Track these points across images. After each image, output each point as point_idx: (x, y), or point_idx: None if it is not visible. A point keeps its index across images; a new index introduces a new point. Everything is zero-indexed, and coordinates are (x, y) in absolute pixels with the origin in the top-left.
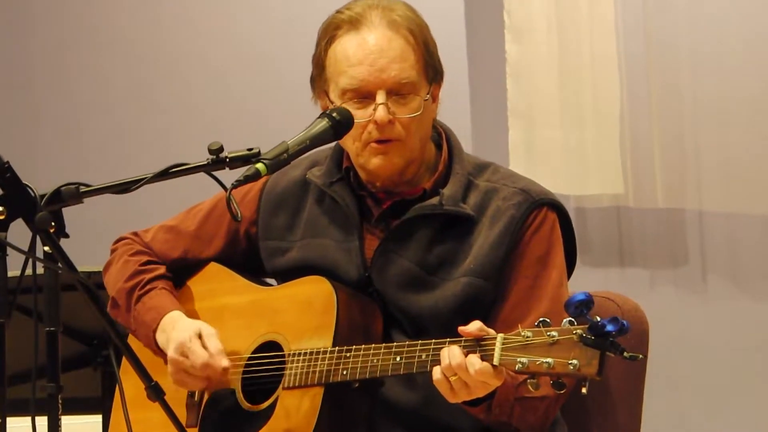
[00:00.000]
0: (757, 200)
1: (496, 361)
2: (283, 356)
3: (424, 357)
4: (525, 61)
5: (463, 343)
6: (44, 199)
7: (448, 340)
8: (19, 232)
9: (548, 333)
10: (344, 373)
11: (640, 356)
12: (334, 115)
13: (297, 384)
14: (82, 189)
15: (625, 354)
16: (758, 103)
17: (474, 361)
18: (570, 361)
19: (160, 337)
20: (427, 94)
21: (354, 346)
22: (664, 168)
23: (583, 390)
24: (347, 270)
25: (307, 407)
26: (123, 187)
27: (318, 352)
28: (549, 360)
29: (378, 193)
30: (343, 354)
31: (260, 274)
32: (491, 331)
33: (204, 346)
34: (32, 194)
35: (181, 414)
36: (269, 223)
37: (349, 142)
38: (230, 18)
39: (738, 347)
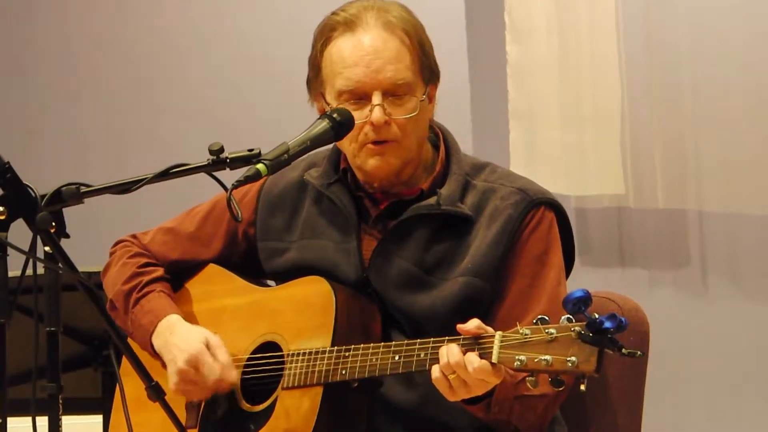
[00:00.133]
0: (757, 201)
1: (494, 359)
2: (282, 356)
3: (422, 356)
4: (526, 61)
5: (461, 342)
6: (45, 199)
7: (446, 338)
8: (19, 233)
9: (546, 330)
10: (343, 372)
11: (639, 353)
12: (335, 116)
13: (296, 384)
14: (83, 189)
15: (624, 350)
16: (759, 104)
17: (472, 359)
18: (568, 358)
19: (157, 341)
20: (423, 94)
21: (353, 346)
22: (665, 168)
23: (582, 387)
24: (345, 271)
25: (306, 407)
26: (123, 188)
27: (317, 352)
28: (547, 357)
29: (375, 193)
30: (342, 354)
31: (259, 275)
32: (489, 329)
33: (213, 356)
34: (33, 194)
35: (181, 415)
36: (267, 224)
37: (346, 144)
38: (232, 19)
39: (738, 348)
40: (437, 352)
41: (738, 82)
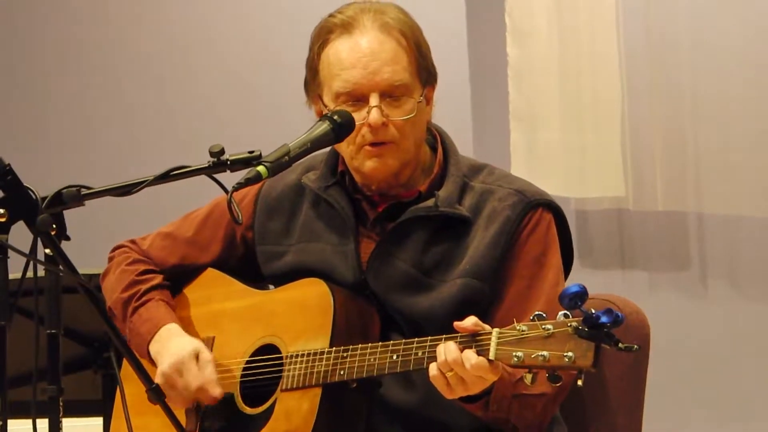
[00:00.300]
0: (757, 203)
1: (491, 356)
2: (280, 359)
3: (420, 354)
4: (526, 63)
5: (458, 339)
6: (45, 201)
7: (443, 336)
8: (20, 235)
9: (543, 326)
10: (342, 373)
11: (635, 347)
12: (336, 117)
13: (295, 385)
14: (83, 191)
15: (620, 345)
16: (759, 106)
17: (470, 356)
18: (565, 354)
19: (153, 348)
20: (421, 96)
21: (351, 347)
22: (665, 170)
23: (579, 382)
24: (343, 273)
25: (305, 408)
26: (124, 190)
27: (315, 354)
28: (544, 353)
29: (373, 196)
30: (340, 354)
31: (258, 279)
32: (486, 327)
33: (200, 369)
34: (33, 197)
35: (180, 418)
36: (265, 227)
37: (344, 146)
38: (235, 20)
39: (738, 350)
40: (435, 351)
41: (739, 84)
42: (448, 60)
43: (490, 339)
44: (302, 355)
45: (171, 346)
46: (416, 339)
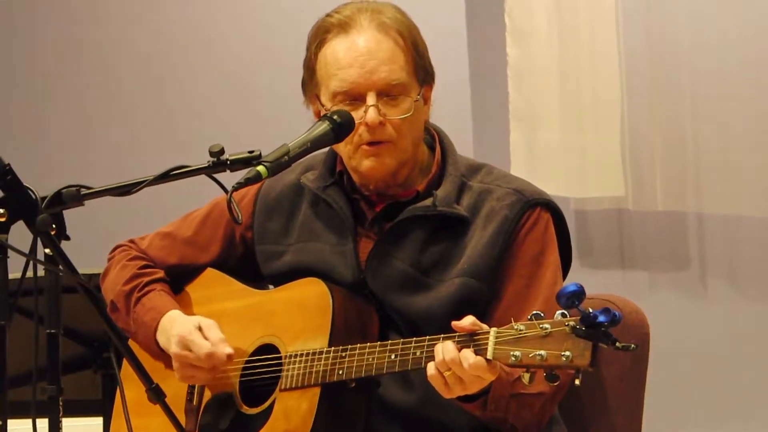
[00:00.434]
0: (756, 203)
1: (489, 355)
2: (279, 358)
3: (418, 354)
4: (526, 63)
5: (456, 339)
6: (45, 201)
7: (441, 336)
8: (20, 235)
9: (541, 326)
10: (340, 372)
11: (633, 346)
12: (335, 117)
13: (294, 385)
14: (83, 191)
15: (618, 344)
16: (760, 106)
17: (468, 355)
18: (563, 353)
19: (161, 338)
20: (418, 95)
21: (349, 346)
22: (665, 170)
23: (576, 382)
24: (342, 273)
25: (304, 408)
26: (124, 190)
27: (314, 353)
28: (542, 352)
29: (371, 195)
30: (339, 354)
31: (257, 279)
32: (484, 326)
33: (205, 337)
34: (33, 196)
35: (180, 418)
36: (264, 227)
37: (342, 145)
38: (235, 20)
39: (738, 349)
40: (433, 350)
41: (739, 85)
42: (447, 60)
43: (487, 338)
44: (301, 355)
45: (174, 331)
46: (414, 339)
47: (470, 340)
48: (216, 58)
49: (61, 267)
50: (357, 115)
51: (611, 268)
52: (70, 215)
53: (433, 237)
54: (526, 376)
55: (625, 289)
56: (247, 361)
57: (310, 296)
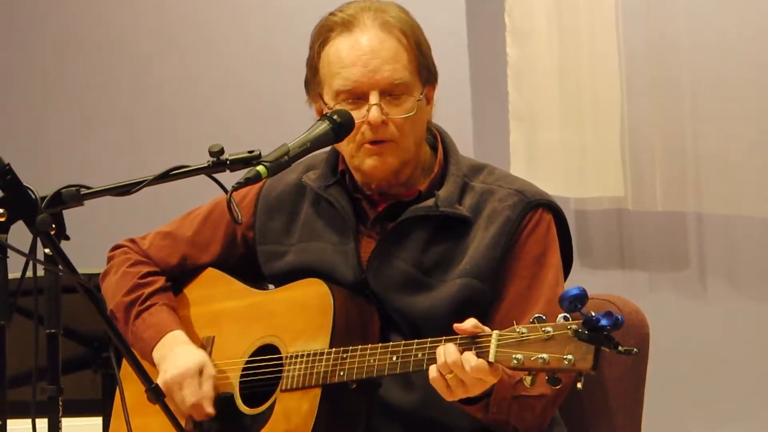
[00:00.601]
0: (756, 203)
1: (491, 358)
2: (280, 359)
3: (420, 356)
4: (526, 63)
5: (458, 341)
6: (45, 201)
7: (443, 338)
8: (19, 234)
9: (543, 329)
10: (341, 374)
11: (635, 350)
12: (335, 117)
13: (295, 386)
14: (83, 191)
15: (620, 348)
16: (759, 107)
17: (470, 358)
18: (565, 356)
19: (157, 353)
20: (421, 94)
21: (351, 347)
22: (665, 170)
23: (578, 385)
24: (344, 273)
25: (305, 409)
26: (123, 190)
27: (315, 354)
28: (544, 355)
29: (373, 195)
30: (340, 355)
31: (258, 278)
32: (486, 329)
33: (200, 385)
34: (33, 196)
35: (180, 419)
36: (266, 227)
37: (344, 144)
38: (235, 20)
39: (738, 349)
40: (434, 352)
41: (739, 83)
42: (448, 60)
43: (489, 341)
44: (302, 356)
45: (176, 356)
46: (416, 340)
47: (472, 342)
48: (216, 58)
49: (60, 267)
50: (360, 113)
51: (611, 268)
52: (69, 215)
53: (435, 237)
54: (528, 379)
55: (624, 289)
56: (248, 362)
57: (312, 297)
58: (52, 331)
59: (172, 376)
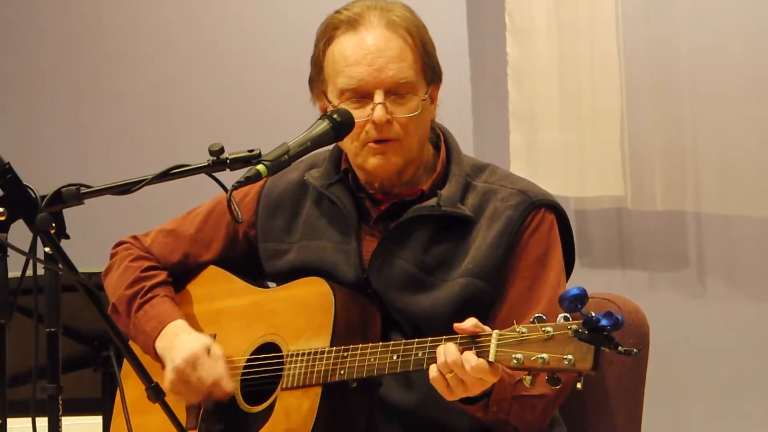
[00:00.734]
0: (755, 203)
1: (491, 358)
2: (281, 357)
3: (420, 355)
4: (526, 63)
5: (459, 341)
6: (45, 200)
7: (443, 337)
8: (19, 233)
9: (543, 328)
10: (342, 372)
11: (635, 351)
12: (335, 116)
13: (295, 384)
14: (83, 190)
15: (620, 348)
16: (759, 107)
17: (470, 357)
18: (565, 356)
19: (160, 344)
20: (426, 94)
21: (351, 346)
22: (664, 170)
23: (578, 385)
24: (345, 271)
25: (305, 407)
26: (124, 189)
27: (316, 353)
28: (544, 355)
29: (376, 194)
30: (341, 354)
31: (260, 277)
32: (486, 328)
33: (212, 364)
34: (33, 195)
35: (180, 416)
36: (268, 225)
37: (348, 142)
38: (235, 19)
39: (737, 349)
40: (435, 352)
41: (738, 84)
42: (447, 60)
43: (490, 341)
44: (303, 354)
45: (181, 342)
46: (416, 340)
47: (472, 342)
48: (215, 58)
49: (60, 266)
50: (364, 112)
51: (611, 267)
52: (69, 214)
53: (437, 237)
54: (528, 379)
55: (624, 288)
56: (249, 360)
57: (313, 295)
58: (52, 329)
59: (183, 359)
